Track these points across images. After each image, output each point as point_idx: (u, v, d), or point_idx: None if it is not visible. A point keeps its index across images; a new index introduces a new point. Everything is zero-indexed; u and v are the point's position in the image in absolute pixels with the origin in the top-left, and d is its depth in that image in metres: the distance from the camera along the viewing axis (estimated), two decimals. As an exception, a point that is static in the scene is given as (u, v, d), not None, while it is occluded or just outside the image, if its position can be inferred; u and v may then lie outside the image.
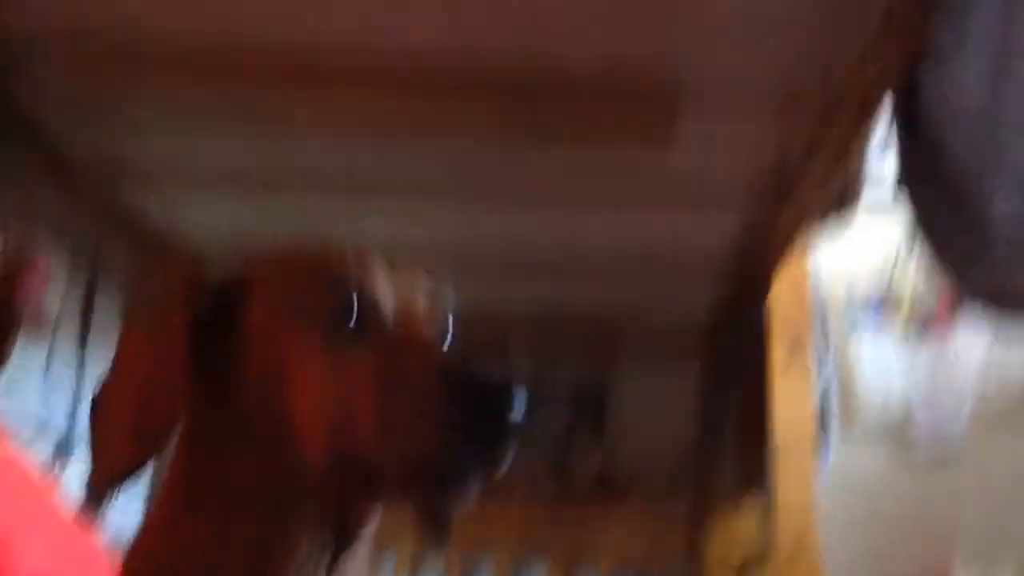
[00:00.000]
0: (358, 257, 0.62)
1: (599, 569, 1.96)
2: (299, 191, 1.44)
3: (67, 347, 1.52)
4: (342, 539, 0.61)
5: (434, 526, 0.62)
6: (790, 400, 1.53)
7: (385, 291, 0.61)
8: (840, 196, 1.37)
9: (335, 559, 0.61)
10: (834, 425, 1.70)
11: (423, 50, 1.04)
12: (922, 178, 1.07)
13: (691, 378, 2.20)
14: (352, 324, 0.58)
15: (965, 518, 2.04)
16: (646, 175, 1.36)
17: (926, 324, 2.23)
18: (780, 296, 1.61)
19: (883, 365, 2.23)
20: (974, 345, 2.20)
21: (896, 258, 2.30)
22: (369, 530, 0.63)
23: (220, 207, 1.52)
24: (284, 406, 0.58)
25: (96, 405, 0.62)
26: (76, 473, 1.42)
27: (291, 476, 0.58)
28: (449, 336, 0.66)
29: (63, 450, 1.48)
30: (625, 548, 1.98)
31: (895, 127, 1.12)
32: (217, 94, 1.14)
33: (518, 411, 0.53)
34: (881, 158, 2.12)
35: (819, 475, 1.55)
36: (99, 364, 1.50)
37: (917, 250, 1.14)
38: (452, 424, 0.52)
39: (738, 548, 1.82)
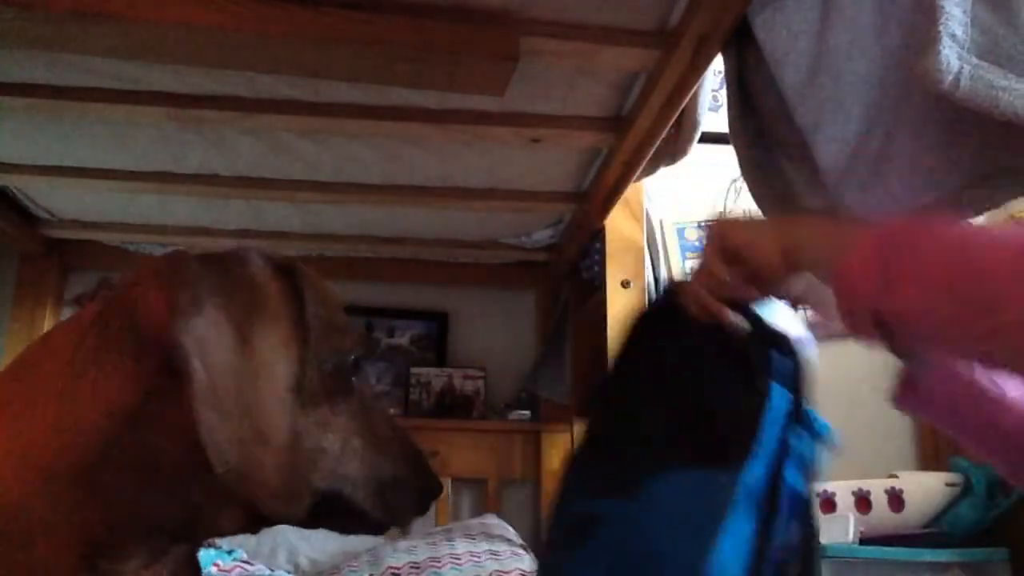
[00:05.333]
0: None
1: (446, 481, 2.01)
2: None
3: None
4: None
5: None
6: (625, 321, 1.59)
7: None
8: (676, 129, 1.40)
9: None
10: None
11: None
12: (749, 123, 1.10)
13: (531, 304, 2.25)
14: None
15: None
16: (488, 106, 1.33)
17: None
18: (616, 222, 1.65)
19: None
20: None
21: (728, 185, 2.40)
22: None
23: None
24: None
25: None
26: None
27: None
28: None
29: None
30: (470, 461, 2.04)
31: (727, 69, 1.14)
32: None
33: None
34: (719, 90, 2.19)
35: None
36: None
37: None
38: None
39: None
